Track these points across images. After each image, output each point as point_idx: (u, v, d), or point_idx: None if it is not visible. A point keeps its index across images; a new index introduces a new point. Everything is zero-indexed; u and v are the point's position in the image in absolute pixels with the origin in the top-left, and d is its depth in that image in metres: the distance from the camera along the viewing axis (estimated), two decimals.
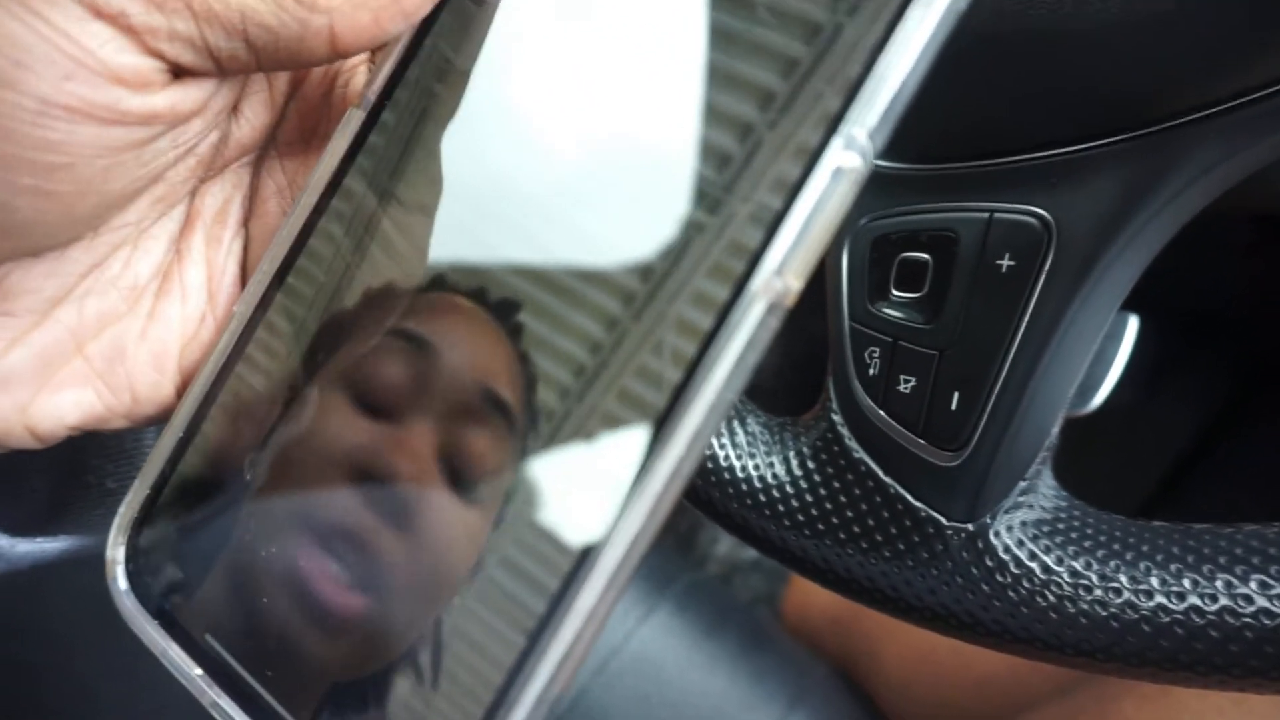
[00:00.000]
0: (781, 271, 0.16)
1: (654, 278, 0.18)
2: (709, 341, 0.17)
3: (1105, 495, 0.28)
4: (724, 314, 0.17)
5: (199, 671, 0.20)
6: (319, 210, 0.21)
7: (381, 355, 0.20)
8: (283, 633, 0.20)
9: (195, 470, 0.21)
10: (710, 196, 0.18)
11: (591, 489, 0.18)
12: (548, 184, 0.19)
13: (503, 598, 0.18)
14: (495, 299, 0.19)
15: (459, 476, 0.19)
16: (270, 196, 0.23)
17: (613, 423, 0.18)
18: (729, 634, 0.52)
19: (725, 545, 0.77)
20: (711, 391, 0.16)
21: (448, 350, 0.20)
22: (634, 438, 0.17)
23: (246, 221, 0.23)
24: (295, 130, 0.23)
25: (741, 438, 0.29)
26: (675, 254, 0.18)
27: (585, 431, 0.18)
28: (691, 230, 0.18)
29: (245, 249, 0.23)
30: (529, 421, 0.19)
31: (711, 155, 0.18)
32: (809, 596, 0.66)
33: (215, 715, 0.20)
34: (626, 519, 0.17)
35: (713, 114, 0.18)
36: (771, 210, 0.17)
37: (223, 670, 0.20)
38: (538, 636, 0.17)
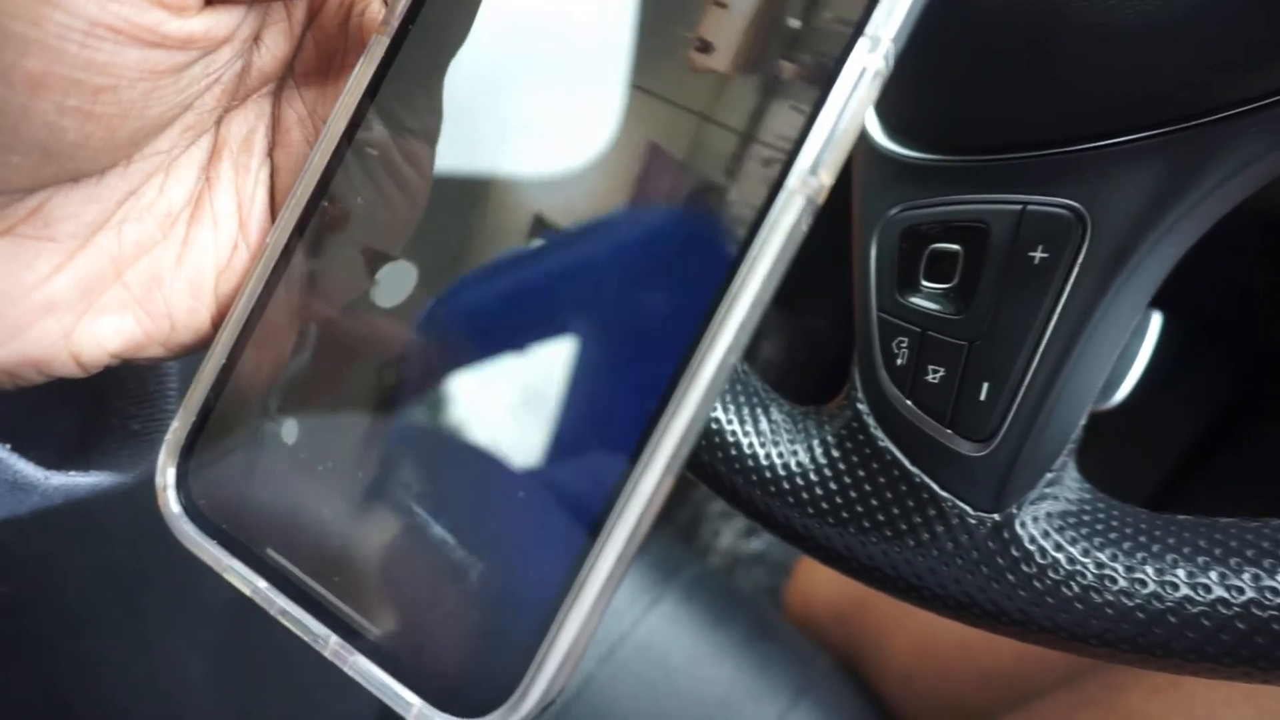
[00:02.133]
0: (815, 169, 0.17)
1: (685, 184, 0.19)
2: (750, 237, 0.18)
3: (1111, 490, 0.28)
4: (763, 211, 0.18)
5: (264, 584, 0.21)
6: (347, 137, 0.21)
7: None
8: (345, 540, 0.20)
9: (238, 395, 0.22)
10: (742, 104, 0.18)
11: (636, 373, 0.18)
12: (564, 108, 0.20)
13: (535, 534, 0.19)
14: (519, 226, 0.20)
15: (496, 391, 0.20)
16: (293, 126, 0.23)
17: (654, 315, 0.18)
18: (736, 625, 0.52)
19: (727, 538, 0.77)
20: (756, 282, 0.17)
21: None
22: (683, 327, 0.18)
23: (271, 151, 0.23)
24: (313, 60, 0.23)
25: (765, 425, 0.29)
26: (711, 158, 0.19)
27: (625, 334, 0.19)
28: (726, 134, 0.18)
29: (272, 177, 0.23)
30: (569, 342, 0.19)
31: (742, 61, 0.19)
32: (812, 589, 0.66)
33: (284, 622, 0.20)
34: (688, 394, 0.18)
35: (739, 23, 0.19)
36: (804, 111, 0.18)
37: (287, 581, 0.21)
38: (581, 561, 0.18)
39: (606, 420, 0.19)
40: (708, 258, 0.18)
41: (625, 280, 0.19)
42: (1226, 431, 0.58)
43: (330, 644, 0.20)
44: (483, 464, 0.20)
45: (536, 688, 0.18)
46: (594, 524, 0.18)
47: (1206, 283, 0.52)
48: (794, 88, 0.18)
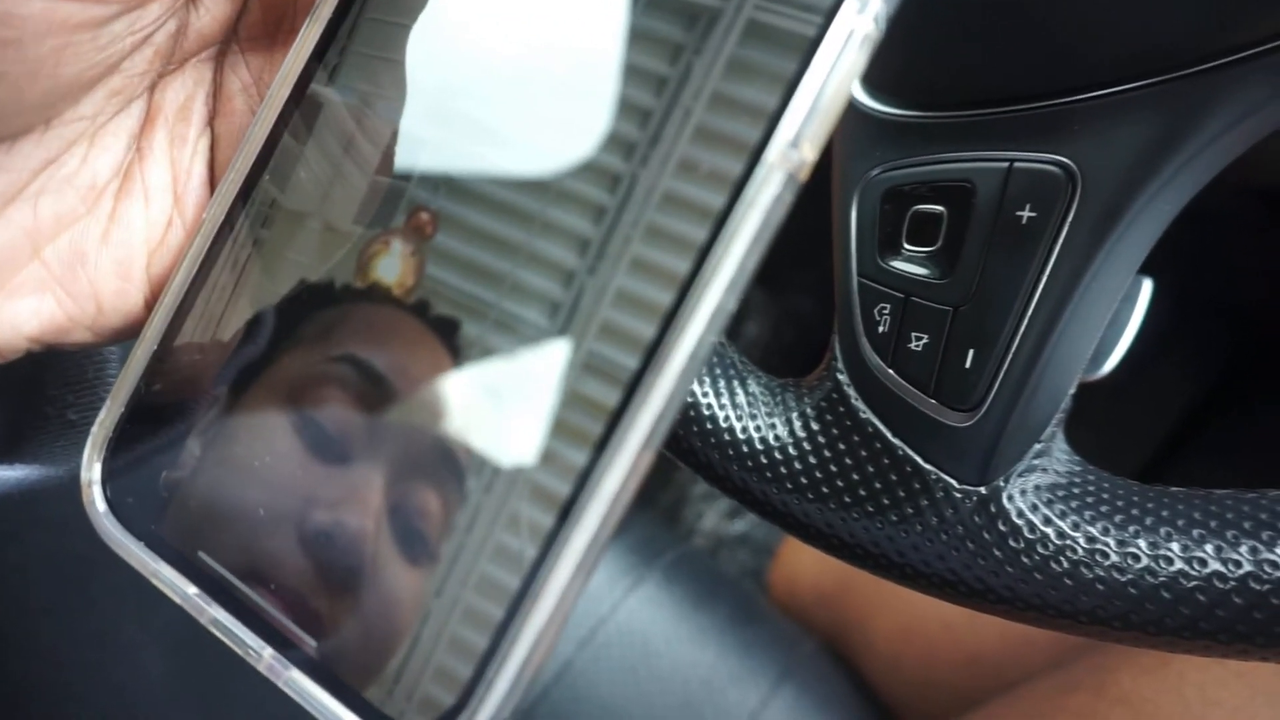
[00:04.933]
0: (797, 142, 0.16)
1: (645, 158, 0.17)
2: (725, 215, 0.16)
3: (1098, 465, 0.27)
4: (740, 187, 0.16)
5: (195, 590, 0.19)
6: (293, 103, 0.20)
7: (361, 264, 0.19)
8: (284, 544, 0.19)
9: (172, 385, 0.20)
10: (717, 69, 0.17)
11: (590, 400, 0.17)
12: (520, 76, 0.18)
13: (486, 553, 0.17)
14: (462, 214, 0.19)
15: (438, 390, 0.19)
16: (235, 94, 0.21)
17: (630, 300, 0.17)
18: (718, 607, 0.52)
19: (710, 520, 0.76)
20: (732, 264, 0.16)
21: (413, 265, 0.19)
22: (645, 323, 0.17)
23: (212, 121, 0.21)
24: (259, 24, 0.21)
25: (741, 398, 0.28)
26: (685, 128, 0.17)
27: (592, 325, 0.17)
28: (701, 102, 0.17)
29: (212, 150, 0.21)
30: (522, 340, 0.18)
31: (715, 23, 0.17)
32: (796, 571, 0.65)
33: (215, 632, 0.19)
34: (639, 416, 0.16)
35: None
36: (784, 78, 0.16)
37: (220, 588, 0.19)
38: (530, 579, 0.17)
39: (571, 408, 0.17)
40: (680, 236, 0.17)
41: (594, 260, 0.18)
42: (1216, 406, 0.57)
43: (264, 657, 0.18)
44: (436, 462, 0.18)
45: (486, 708, 0.16)
46: (553, 527, 0.17)
47: (1198, 257, 0.51)
48: (774, 52, 0.16)
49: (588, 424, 0.17)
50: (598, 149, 0.18)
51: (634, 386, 0.16)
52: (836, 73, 0.16)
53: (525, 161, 0.18)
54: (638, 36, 0.17)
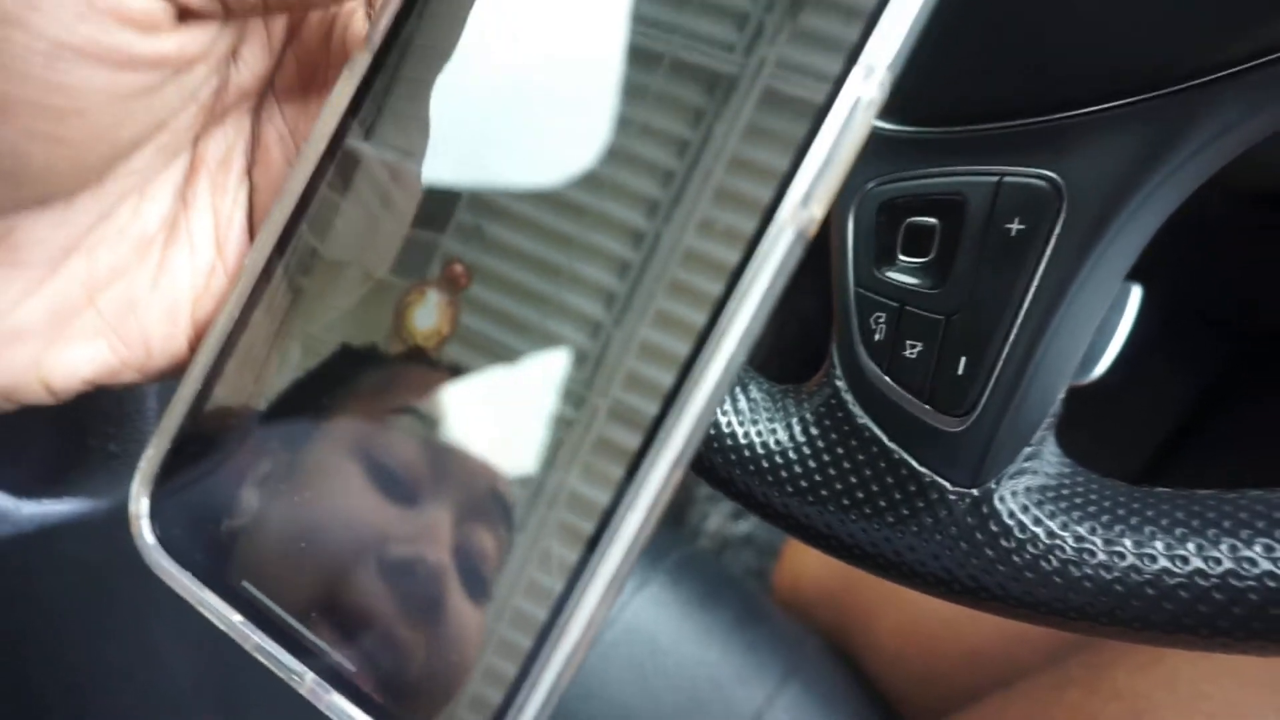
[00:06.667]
0: (807, 201, 0.17)
1: (665, 214, 0.18)
2: (739, 271, 0.17)
3: (1099, 468, 0.28)
4: (753, 244, 0.17)
5: (239, 617, 0.20)
6: (328, 156, 0.21)
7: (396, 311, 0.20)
8: (325, 575, 0.20)
9: (216, 421, 0.21)
10: (731, 132, 0.18)
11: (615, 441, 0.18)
12: (551, 138, 0.19)
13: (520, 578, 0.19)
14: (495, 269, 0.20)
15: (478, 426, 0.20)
16: (273, 144, 0.22)
17: (649, 352, 0.18)
18: (723, 606, 0.52)
19: (715, 521, 0.77)
20: (744, 318, 0.17)
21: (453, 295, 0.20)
22: (665, 373, 0.18)
23: (250, 170, 0.22)
24: (294, 77, 0.22)
25: (744, 404, 0.29)
26: (700, 187, 0.18)
27: (625, 360, 0.19)
28: (715, 163, 0.18)
29: (251, 198, 0.22)
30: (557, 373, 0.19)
31: (720, 86, 0.18)
32: (799, 571, 0.66)
33: (260, 658, 0.20)
34: (653, 468, 0.17)
35: (721, 45, 0.18)
36: (795, 141, 0.17)
37: (263, 615, 0.20)
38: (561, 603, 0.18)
39: (596, 452, 0.18)
40: (698, 290, 0.18)
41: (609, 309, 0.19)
42: (1209, 407, 0.58)
43: (306, 681, 0.19)
44: (473, 497, 0.19)
45: None
46: (583, 554, 0.18)
47: (1187, 262, 0.52)
48: (787, 117, 0.17)
49: (611, 468, 0.18)
50: (623, 208, 0.19)
51: (653, 431, 0.18)
52: (845, 137, 0.17)
53: (555, 216, 0.19)
54: (661, 101, 0.19)
